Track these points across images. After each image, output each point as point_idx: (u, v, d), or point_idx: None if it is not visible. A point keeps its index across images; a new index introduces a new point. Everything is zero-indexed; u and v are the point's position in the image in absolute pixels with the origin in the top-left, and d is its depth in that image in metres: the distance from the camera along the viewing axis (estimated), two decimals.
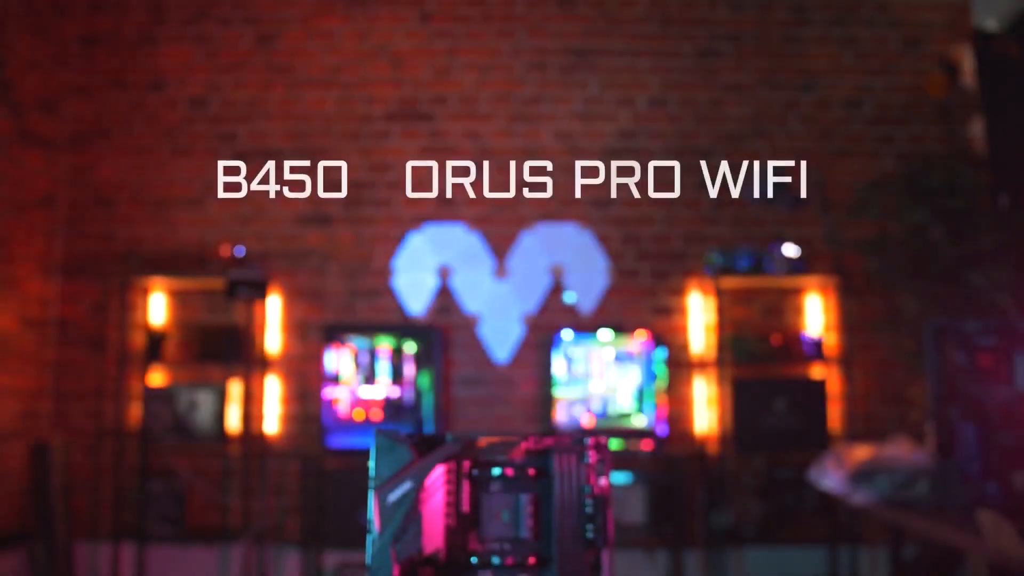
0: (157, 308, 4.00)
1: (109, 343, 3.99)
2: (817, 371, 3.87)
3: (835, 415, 3.80)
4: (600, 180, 4.02)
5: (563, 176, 4.03)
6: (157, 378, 3.96)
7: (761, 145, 4.02)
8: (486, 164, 4.06)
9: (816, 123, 4.07)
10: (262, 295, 3.76)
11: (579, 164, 4.04)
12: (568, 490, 0.78)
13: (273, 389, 3.95)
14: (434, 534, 0.75)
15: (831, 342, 3.85)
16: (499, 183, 4.04)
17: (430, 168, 4.04)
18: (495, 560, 0.76)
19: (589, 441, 0.80)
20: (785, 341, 3.81)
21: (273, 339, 3.98)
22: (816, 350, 3.79)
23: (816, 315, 3.93)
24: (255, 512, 3.85)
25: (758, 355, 3.79)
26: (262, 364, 3.94)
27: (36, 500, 3.71)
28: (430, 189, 4.04)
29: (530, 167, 4.04)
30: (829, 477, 2.34)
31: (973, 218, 3.18)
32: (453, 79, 4.14)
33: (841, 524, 3.69)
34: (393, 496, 0.77)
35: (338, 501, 3.69)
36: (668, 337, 3.91)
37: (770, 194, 3.57)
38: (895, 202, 3.43)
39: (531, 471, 0.80)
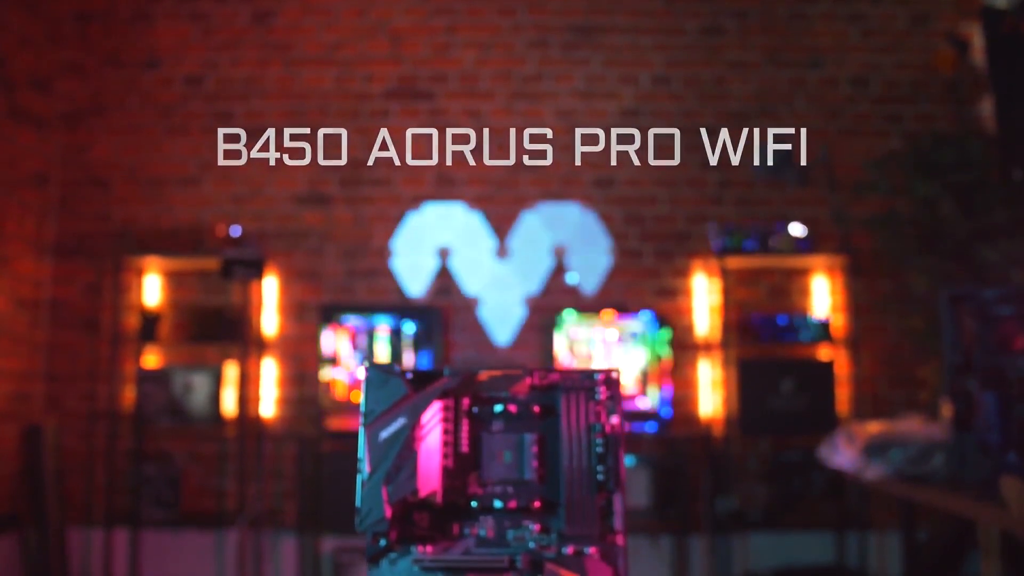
0: (152, 289, 3.93)
1: (103, 324, 3.92)
2: (824, 352, 3.80)
3: (842, 397, 3.73)
4: (602, 159, 3.95)
5: (565, 155, 3.96)
6: (151, 360, 3.89)
7: (766, 123, 3.94)
8: (486, 143, 3.99)
9: (822, 101, 4.00)
10: (258, 275, 3.69)
11: (581, 143, 3.97)
12: (576, 429, 0.71)
13: (270, 371, 3.88)
14: (430, 476, 0.68)
15: (838, 323, 3.79)
16: (499, 161, 3.97)
17: (430, 146, 3.97)
18: (497, 504, 0.69)
19: (599, 376, 0.73)
20: (791, 322, 3.74)
21: (270, 320, 3.91)
22: (823, 331, 3.72)
23: (823, 296, 3.86)
24: (251, 496, 3.78)
25: (763, 336, 3.72)
26: (258, 346, 3.87)
27: (28, 484, 3.66)
28: (430, 168, 3.97)
29: (531, 146, 3.97)
30: (840, 454, 2.28)
31: (984, 192, 3.11)
32: (453, 56, 4.07)
33: (849, 508, 3.62)
34: (385, 433, 0.70)
35: (336, 485, 3.62)
36: (672, 318, 3.84)
37: (777, 167, 3.49)
38: (904, 177, 3.35)
39: (536, 408, 0.73)
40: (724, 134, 3.94)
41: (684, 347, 3.85)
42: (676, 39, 4.05)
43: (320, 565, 3.68)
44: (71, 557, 3.76)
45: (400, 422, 0.70)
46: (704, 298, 3.87)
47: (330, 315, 3.73)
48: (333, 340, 3.72)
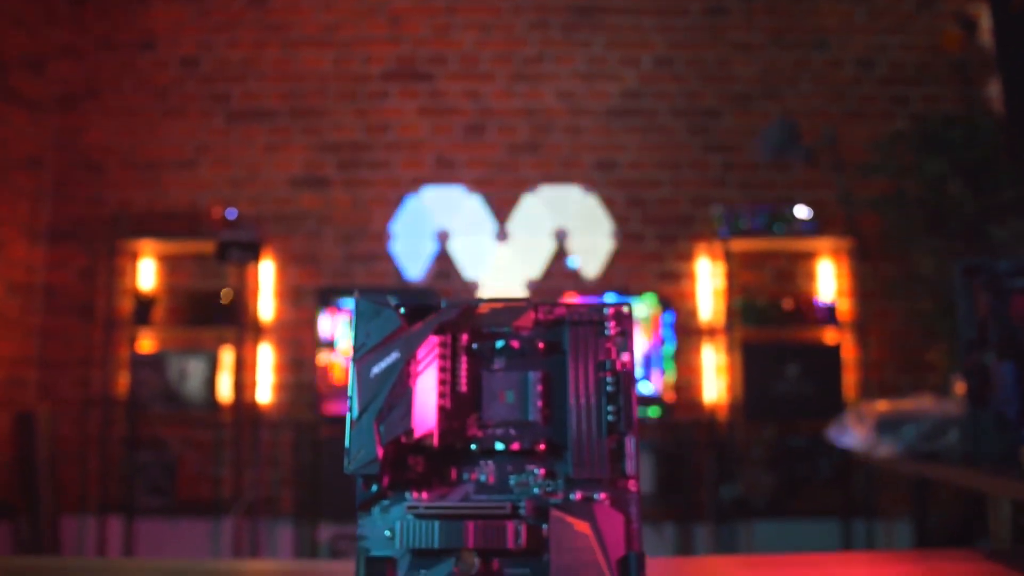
0: (146, 273, 3.87)
1: (97, 309, 3.86)
2: (830, 336, 3.74)
3: (849, 382, 3.67)
4: (604, 141, 3.90)
5: (566, 137, 3.91)
6: (146, 344, 3.84)
7: (770, 106, 3.88)
8: (487, 124, 3.93)
9: (827, 83, 3.94)
10: (255, 257, 3.63)
11: (582, 125, 3.91)
12: (585, 366, 0.65)
13: (266, 356, 3.82)
14: (425, 417, 0.62)
15: (844, 307, 3.73)
16: (500, 144, 3.91)
17: (429, 129, 3.92)
18: (499, 446, 0.63)
19: (608, 310, 0.67)
20: (797, 306, 3.68)
21: (266, 305, 3.85)
22: (829, 315, 3.66)
23: (828, 280, 3.80)
24: (247, 484, 3.73)
25: (769, 320, 3.66)
26: (255, 330, 3.82)
27: (21, 472, 3.60)
28: (429, 150, 3.92)
29: (532, 128, 3.92)
30: (849, 434, 2.22)
31: (993, 171, 3.05)
32: (453, 38, 4.01)
33: (856, 495, 3.56)
34: (377, 368, 0.64)
35: (333, 471, 3.57)
36: (675, 302, 3.78)
37: (783, 146, 3.42)
38: (912, 157, 3.29)
39: (540, 345, 0.67)
40: (728, 116, 3.89)
41: (687, 332, 3.79)
42: (679, 20, 3.99)
43: (317, 553, 3.63)
44: (65, 545, 3.70)
45: (393, 356, 0.64)
46: (708, 282, 3.82)
47: (327, 299, 3.68)
48: (331, 324, 3.66)
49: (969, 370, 1.94)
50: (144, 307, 3.73)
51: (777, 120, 3.51)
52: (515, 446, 0.62)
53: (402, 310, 0.66)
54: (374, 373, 0.63)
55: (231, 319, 3.73)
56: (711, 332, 3.79)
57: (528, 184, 3.89)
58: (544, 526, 0.60)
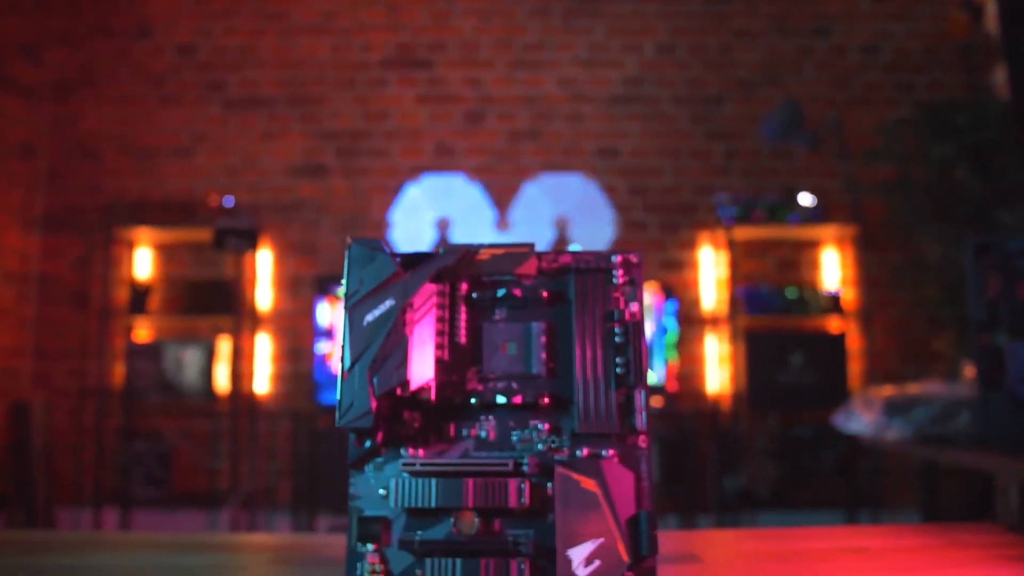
0: (142, 262, 3.83)
1: (92, 299, 3.82)
2: (834, 325, 3.70)
3: (854, 372, 3.63)
4: (605, 129, 3.85)
5: (567, 125, 3.87)
6: (142, 334, 3.79)
7: (773, 93, 3.84)
8: (487, 112, 3.89)
9: (831, 70, 3.90)
10: (252, 245, 3.59)
11: (583, 112, 3.87)
12: (592, 316, 0.61)
13: (264, 347, 3.78)
14: (422, 368, 0.58)
15: (849, 296, 3.69)
16: (500, 132, 3.87)
17: (428, 116, 3.87)
18: (500, 400, 0.58)
19: (617, 258, 0.63)
20: (801, 295, 3.64)
21: (264, 295, 3.81)
22: (833, 304, 3.62)
23: (833, 268, 3.76)
24: (244, 475, 3.69)
25: (772, 308, 3.62)
26: (252, 320, 3.77)
27: (15, 462, 3.57)
28: (428, 138, 3.87)
29: (532, 115, 3.87)
30: (857, 419, 2.17)
31: (1001, 155, 3.00)
32: (452, 25, 3.97)
33: (861, 486, 3.52)
34: (370, 316, 0.60)
35: (331, 462, 3.53)
36: (678, 291, 3.74)
37: (787, 130, 3.37)
38: (918, 142, 3.25)
39: (544, 294, 0.63)
40: (730, 103, 3.84)
41: (690, 321, 3.75)
42: (681, 6, 3.95)
43: None
44: None
45: (388, 304, 0.59)
46: (711, 271, 3.78)
47: (326, 287, 3.64)
48: (329, 312, 3.62)
49: (980, 351, 1.89)
50: (140, 296, 3.69)
51: (781, 103, 3.46)
52: (517, 400, 0.58)
53: (398, 259, 0.63)
54: (367, 321, 0.59)
55: (228, 308, 3.68)
56: (714, 321, 3.74)
57: (529, 172, 3.85)
58: (548, 484, 0.56)
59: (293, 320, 3.79)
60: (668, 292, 3.65)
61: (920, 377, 3.47)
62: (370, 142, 3.88)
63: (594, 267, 0.62)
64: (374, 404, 0.55)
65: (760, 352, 3.57)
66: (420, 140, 3.87)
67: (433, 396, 0.58)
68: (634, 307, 0.60)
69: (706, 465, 3.65)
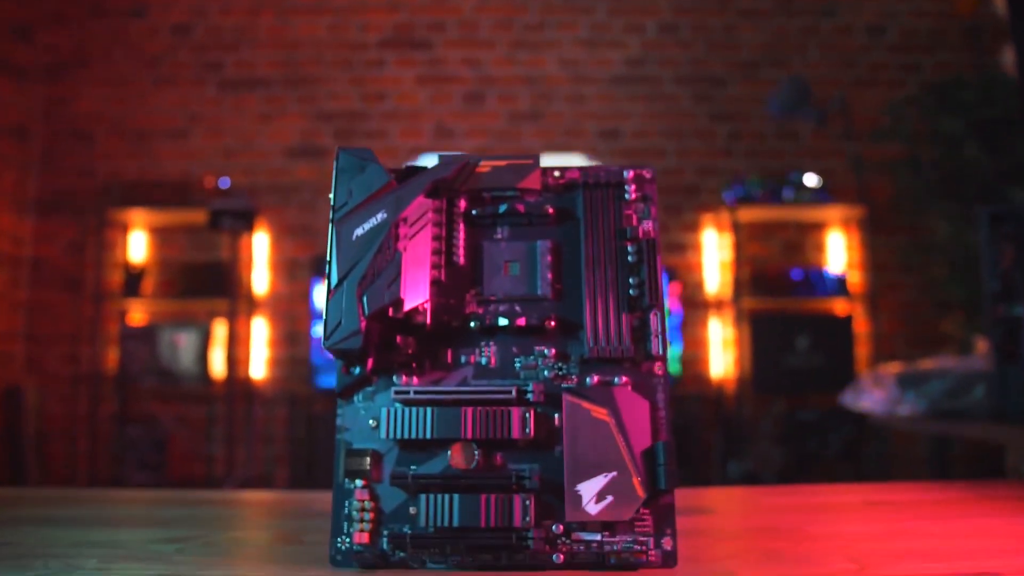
0: (137, 245, 3.78)
1: (85, 283, 3.77)
2: (840, 307, 3.64)
3: (860, 355, 3.58)
4: (608, 110, 3.80)
5: (568, 106, 3.82)
6: (136, 317, 3.75)
7: (778, 74, 3.78)
8: (487, 93, 3.84)
9: (837, 50, 3.84)
10: (248, 226, 3.55)
11: (585, 93, 3.82)
12: (602, 234, 0.55)
13: (260, 331, 3.73)
14: (416, 289, 0.52)
15: (855, 279, 3.64)
16: (500, 113, 3.82)
17: (428, 97, 3.82)
18: (502, 322, 0.53)
19: (628, 173, 0.58)
20: (806, 277, 3.59)
21: (260, 278, 3.76)
22: (839, 286, 3.57)
23: (838, 250, 3.71)
24: (240, 461, 3.64)
25: (777, 291, 3.57)
26: (248, 303, 3.72)
27: (8, 449, 3.53)
28: (428, 120, 3.82)
29: (533, 96, 3.82)
30: (867, 396, 2.12)
31: (1011, 131, 2.95)
32: (451, 4, 3.92)
33: (868, 471, 3.47)
34: (360, 230, 0.54)
35: (328, 448, 3.47)
36: (682, 274, 3.70)
37: (794, 106, 3.32)
38: (926, 120, 3.20)
39: (550, 210, 0.57)
40: (734, 84, 3.79)
41: (694, 304, 3.70)
42: None
43: None
44: None
45: (379, 217, 0.54)
46: (714, 253, 3.73)
47: (322, 268, 3.59)
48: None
49: (994, 323, 1.84)
50: (134, 279, 3.64)
51: (788, 79, 3.41)
52: (521, 322, 0.53)
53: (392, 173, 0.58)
54: (356, 235, 0.54)
55: (224, 291, 3.64)
56: (718, 304, 3.70)
57: (530, 154, 3.79)
58: (555, 414, 0.51)
59: (290, 304, 3.74)
60: (671, 275, 3.61)
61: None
62: (368, 124, 3.84)
63: (604, 183, 0.57)
64: (363, 324, 0.50)
65: (765, 335, 3.52)
66: (419, 121, 3.83)
67: (428, 319, 0.53)
68: (647, 225, 0.55)
69: (711, 450, 3.60)
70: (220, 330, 3.67)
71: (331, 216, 0.55)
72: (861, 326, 3.61)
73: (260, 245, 3.77)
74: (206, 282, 3.64)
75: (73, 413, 3.71)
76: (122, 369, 3.60)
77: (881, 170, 3.46)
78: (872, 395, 2.09)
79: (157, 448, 3.61)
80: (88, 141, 3.86)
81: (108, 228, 3.73)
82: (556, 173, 0.59)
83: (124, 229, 3.76)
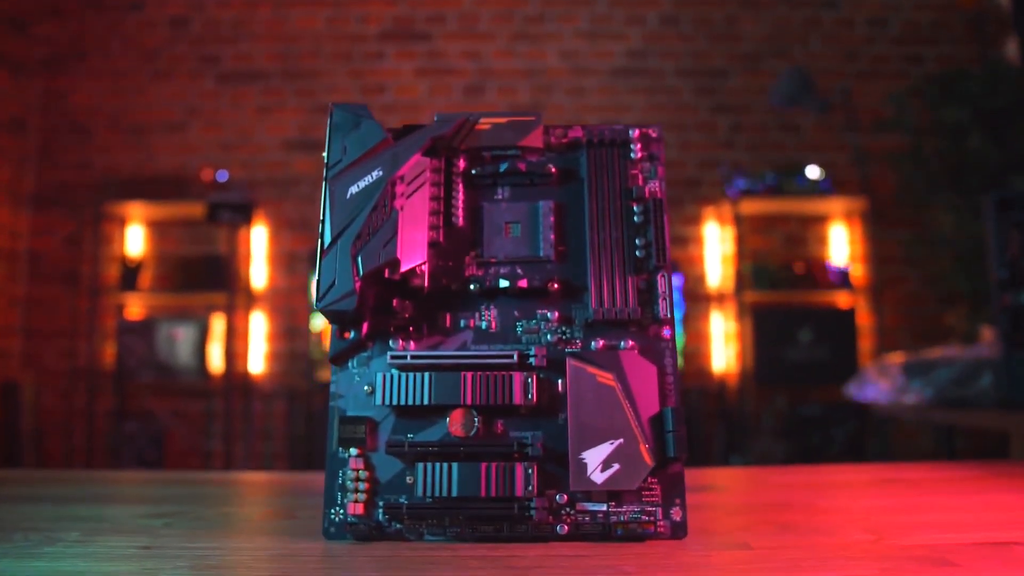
0: (134, 238, 3.75)
1: (83, 277, 3.74)
2: (843, 300, 3.62)
3: (863, 349, 3.55)
4: (608, 102, 3.78)
5: (569, 98, 3.79)
6: (133, 311, 3.72)
7: (780, 65, 3.75)
8: (487, 85, 3.81)
9: (839, 43, 3.81)
10: (246, 219, 3.52)
11: (586, 85, 3.79)
12: (607, 194, 0.53)
13: (258, 325, 3.71)
14: (413, 250, 0.50)
15: (858, 272, 3.61)
16: (501, 105, 3.79)
17: (427, 90, 3.80)
18: (503, 284, 0.50)
19: (634, 132, 0.55)
20: (809, 270, 3.56)
21: (259, 272, 3.73)
22: (842, 279, 3.54)
23: (841, 243, 3.68)
24: (239, 456, 3.61)
25: (779, 284, 3.54)
26: (247, 297, 3.70)
27: (4, 444, 3.50)
28: (427, 112, 3.80)
29: (533, 88, 3.80)
30: (872, 387, 2.10)
31: (1016, 120, 2.93)
32: None
33: (872, 464, 3.45)
34: (355, 188, 0.52)
35: (327, 442, 3.45)
36: (683, 267, 3.67)
37: (796, 95, 3.29)
38: (930, 111, 3.17)
39: (553, 169, 0.55)
40: (736, 76, 3.77)
41: (696, 297, 3.67)
42: None
43: None
44: None
45: (375, 174, 0.52)
46: (716, 246, 3.70)
47: None
48: None
49: (1001, 310, 1.82)
50: (131, 273, 3.62)
51: (789, 69, 3.38)
52: (522, 284, 0.50)
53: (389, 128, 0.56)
54: (351, 193, 0.52)
55: (222, 285, 3.61)
56: (720, 298, 3.67)
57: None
58: (559, 380, 0.48)
59: (288, 297, 3.72)
60: (673, 268, 3.58)
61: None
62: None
63: (609, 141, 0.55)
64: (358, 284, 0.47)
65: (767, 329, 3.50)
66: (419, 114, 3.79)
67: (426, 282, 0.50)
68: (654, 185, 0.53)
69: (712, 444, 3.57)
70: (218, 324, 3.64)
71: (324, 173, 0.53)
72: (864, 319, 3.58)
73: (258, 238, 3.74)
74: (204, 276, 3.61)
75: (70, 408, 3.68)
76: (119, 364, 3.57)
77: (884, 162, 3.43)
78: (877, 385, 2.06)
79: (154, 443, 3.59)
80: (85, 134, 3.84)
81: (105, 222, 3.70)
82: (559, 131, 0.57)
83: (121, 223, 3.73)
